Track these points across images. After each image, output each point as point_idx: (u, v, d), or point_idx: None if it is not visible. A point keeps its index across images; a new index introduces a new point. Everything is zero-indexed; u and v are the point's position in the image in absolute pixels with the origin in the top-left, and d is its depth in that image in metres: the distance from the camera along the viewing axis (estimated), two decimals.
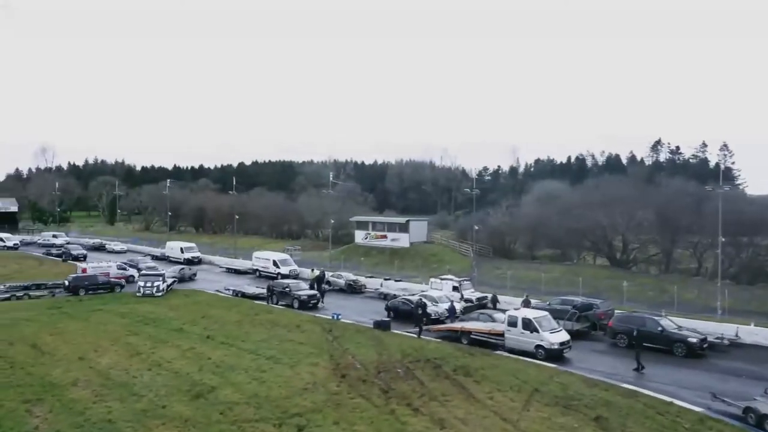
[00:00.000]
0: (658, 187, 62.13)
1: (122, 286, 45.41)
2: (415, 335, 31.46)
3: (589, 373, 24.79)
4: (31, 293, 41.33)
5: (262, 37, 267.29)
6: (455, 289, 40.82)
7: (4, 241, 79.50)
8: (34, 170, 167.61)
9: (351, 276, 49.41)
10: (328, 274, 49.76)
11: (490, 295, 40.30)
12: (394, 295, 43.20)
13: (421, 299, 36.29)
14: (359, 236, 67.70)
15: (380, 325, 32.88)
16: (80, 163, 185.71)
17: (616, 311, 33.57)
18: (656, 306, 38.39)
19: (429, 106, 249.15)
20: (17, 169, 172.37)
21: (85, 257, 67.45)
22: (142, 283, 43.31)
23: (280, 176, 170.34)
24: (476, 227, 48.27)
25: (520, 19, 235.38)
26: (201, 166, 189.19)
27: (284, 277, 52.63)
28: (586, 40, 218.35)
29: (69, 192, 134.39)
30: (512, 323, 28.40)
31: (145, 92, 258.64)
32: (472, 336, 29.91)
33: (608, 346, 30.33)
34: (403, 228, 63.61)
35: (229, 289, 45.56)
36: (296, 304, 39.84)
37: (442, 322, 34.35)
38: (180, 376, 22.83)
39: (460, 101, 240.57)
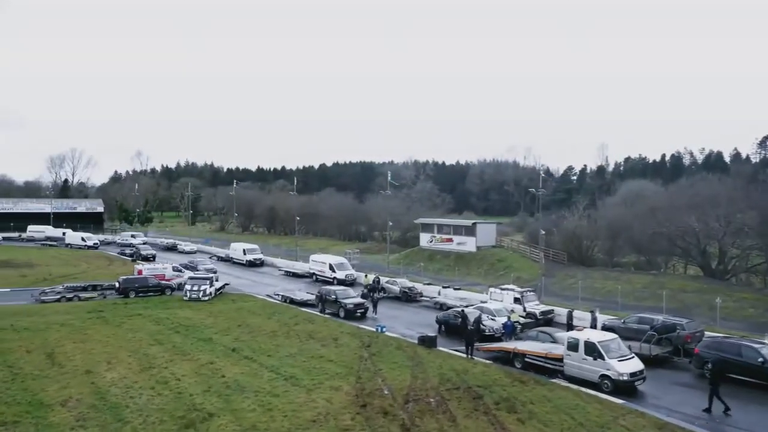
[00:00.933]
0: (764, 187, 54.17)
1: (173, 289, 44.43)
2: (463, 354, 27.74)
3: (665, 414, 20.16)
4: (81, 295, 40.99)
5: (347, 37, 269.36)
6: (517, 301, 36.50)
7: (85, 241, 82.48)
8: (130, 172, 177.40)
9: (407, 282, 46.05)
10: (384, 280, 46.71)
11: (566, 311, 35.17)
12: (451, 305, 39.51)
13: (463, 312, 32.46)
14: (424, 239, 64.18)
15: (425, 341, 29.37)
16: (172, 165, 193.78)
17: (706, 333, 28.27)
18: (758, 328, 32.38)
19: (514, 104, 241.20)
20: (116, 172, 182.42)
21: (154, 257, 68.22)
22: (189, 287, 42.08)
23: (360, 177, 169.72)
24: (542, 232, 43.45)
25: (612, 12, 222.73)
26: (283, 168, 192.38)
27: (340, 282, 50.20)
28: (685, 26, 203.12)
29: (153, 193, 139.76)
30: (573, 346, 24.04)
31: (233, 96, 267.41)
32: (526, 359, 25.77)
33: (694, 377, 25.19)
34: (470, 231, 59.44)
35: (278, 295, 43.54)
36: (342, 313, 37.05)
37: (499, 340, 30.39)
38: (181, 398, 20.45)
39: (547, 98, 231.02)
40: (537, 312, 35.39)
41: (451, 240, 60.63)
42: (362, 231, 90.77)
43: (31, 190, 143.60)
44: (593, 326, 31.30)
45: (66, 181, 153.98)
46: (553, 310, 36.37)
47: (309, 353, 27.17)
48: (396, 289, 44.66)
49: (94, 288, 43.25)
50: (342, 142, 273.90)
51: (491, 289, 38.77)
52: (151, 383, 21.90)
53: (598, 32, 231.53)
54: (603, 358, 22.80)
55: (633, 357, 23.72)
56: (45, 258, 66.74)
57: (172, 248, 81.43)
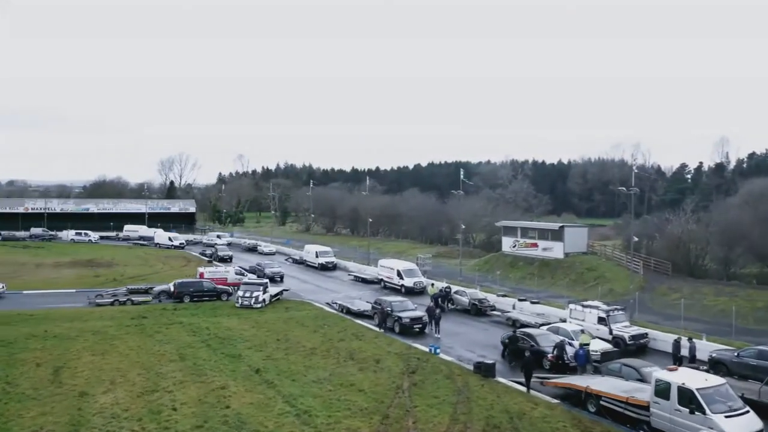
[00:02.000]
0: None
1: (229, 294, 42.27)
2: (525, 388, 22.81)
3: None
4: (134, 299, 39.77)
5: (441, 37, 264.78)
6: (602, 321, 30.60)
7: (171, 240, 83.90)
8: (233, 174, 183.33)
9: (478, 293, 41.05)
10: (454, 290, 42.00)
11: (668, 337, 28.77)
12: (524, 322, 34.25)
13: (528, 332, 27.22)
14: (506, 244, 58.48)
15: (481, 369, 24.65)
16: (272, 167, 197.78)
17: None
18: None
19: (621, 99, 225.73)
20: (220, 174, 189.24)
21: (230, 258, 67.57)
22: (241, 293, 39.70)
23: (454, 177, 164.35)
24: (635, 238, 36.80)
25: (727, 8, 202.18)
26: (377, 168, 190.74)
27: (408, 290, 46.16)
28: None
29: (246, 194, 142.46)
30: (662, 392, 18.45)
31: (331, 98, 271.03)
32: (601, 402, 20.34)
33: None
34: (557, 235, 53.04)
35: (336, 303, 40.17)
36: (397, 328, 32.94)
37: (573, 370, 24.98)
38: None
39: (660, 92, 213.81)
40: (626, 336, 29.32)
41: (535, 245, 54.57)
42: (444, 234, 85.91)
43: (142, 191, 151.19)
44: (692, 359, 25.14)
45: (172, 182, 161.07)
46: (647, 333, 30.07)
47: (340, 379, 23.35)
48: (465, 300, 39.80)
49: (147, 291, 42.10)
50: (437, 142, 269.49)
51: (571, 306, 32.97)
52: (142, 413, 18.96)
53: (714, 29, 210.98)
54: (704, 412, 17.08)
55: (748, 411, 17.74)
56: (127, 258, 67.89)
57: (252, 249, 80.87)
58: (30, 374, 22.71)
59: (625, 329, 29.89)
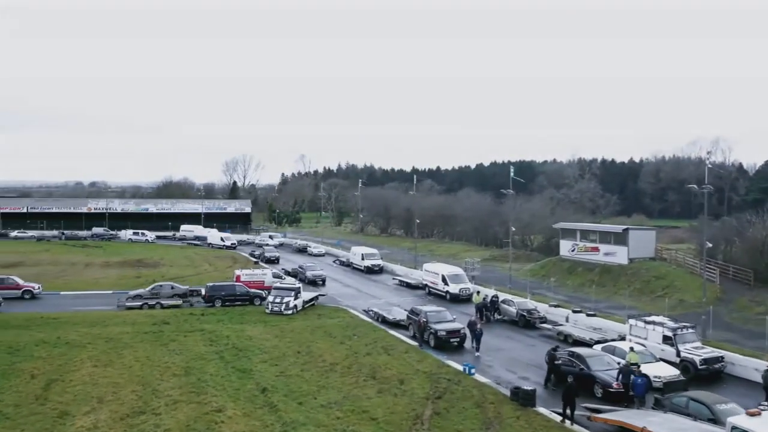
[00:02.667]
0: None
1: (262, 298, 40.24)
2: (565, 420, 19.29)
3: None
4: (163, 302, 38.38)
5: (508, 37, 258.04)
6: (667, 340, 26.31)
7: (223, 241, 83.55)
8: (296, 175, 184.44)
9: (527, 303, 37.19)
10: (502, 298, 38.32)
11: (756, 364, 24.34)
12: (577, 338, 30.39)
13: (577, 353, 23.36)
14: (564, 247, 53.85)
15: (518, 397, 21.18)
16: (333, 167, 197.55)
17: None
18: None
19: (698, 92, 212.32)
20: (282, 174, 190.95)
21: (277, 260, 66.15)
22: (271, 299, 37.55)
23: (517, 176, 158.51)
24: (708, 243, 31.88)
25: None
26: (438, 168, 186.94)
27: (453, 297, 42.91)
28: None
29: (303, 194, 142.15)
30: None
31: (393, 98, 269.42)
32: None
33: None
34: (620, 239, 48.09)
35: (371, 311, 37.40)
36: (432, 341, 29.73)
37: (628, 399, 21.06)
38: None
39: (738, 82, 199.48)
40: (697, 359, 24.93)
41: (596, 249, 49.80)
42: (499, 236, 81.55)
43: (207, 191, 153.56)
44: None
45: (234, 183, 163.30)
46: (723, 357, 25.56)
47: (353, 404, 20.56)
48: (512, 311, 36.06)
49: (183, 295, 40.80)
50: (501, 142, 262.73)
51: (631, 321, 28.70)
52: None
53: None
54: None
55: None
56: (176, 258, 67.67)
57: (302, 250, 79.31)
58: (20, 388, 21.13)
59: (695, 351, 25.50)
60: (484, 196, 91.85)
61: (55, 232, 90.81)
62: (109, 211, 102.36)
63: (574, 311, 35.18)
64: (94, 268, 58.09)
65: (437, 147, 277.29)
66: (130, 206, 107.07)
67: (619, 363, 23.08)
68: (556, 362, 23.60)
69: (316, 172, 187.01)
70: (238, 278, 44.59)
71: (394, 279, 53.49)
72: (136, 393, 20.83)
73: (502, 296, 38.96)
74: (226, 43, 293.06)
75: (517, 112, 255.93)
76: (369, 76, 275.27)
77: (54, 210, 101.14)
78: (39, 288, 41.85)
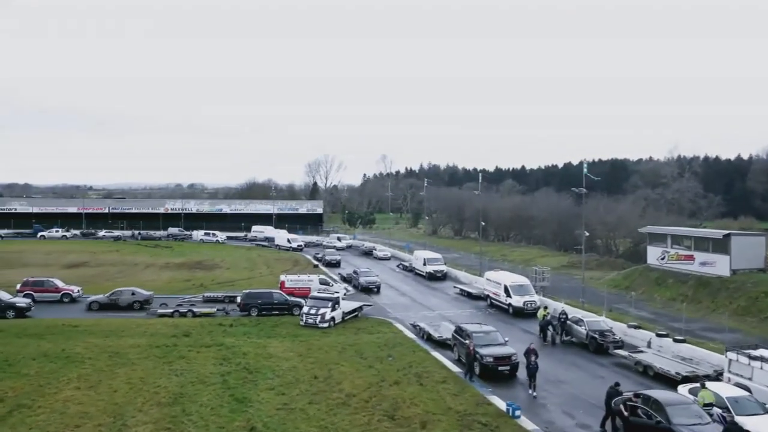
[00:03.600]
0: None
1: (301, 307, 36.81)
2: None
3: None
4: (196, 310, 35.84)
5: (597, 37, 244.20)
6: None
7: (290, 242, 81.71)
8: (377, 175, 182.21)
9: (600, 322, 31.30)
10: (571, 315, 32.71)
11: None
12: (659, 370, 24.62)
13: (641, 399, 17.73)
14: (653, 255, 46.72)
15: None
16: (415, 167, 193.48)
17: None
18: None
19: None
20: (364, 174, 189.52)
21: (338, 263, 63.18)
22: (306, 310, 34.00)
23: (608, 176, 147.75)
24: None
25: None
26: (522, 167, 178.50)
27: (516, 311, 37.89)
28: None
29: (380, 195, 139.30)
30: None
31: (482, 97, 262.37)
32: None
33: None
34: (720, 246, 40.62)
35: (417, 326, 33.01)
36: (477, 369, 24.96)
37: None
38: None
39: None
40: None
41: (690, 258, 42.56)
42: (579, 240, 74.24)
43: (288, 193, 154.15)
44: None
45: (315, 184, 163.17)
46: None
47: None
48: (582, 332, 30.42)
49: (221, 301, 38.31)
50: (591, 139, 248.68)
51: (729, 355, 22.52)
52: None
53: None
54: None
55: None
56: (238, 259, 66.21)
57: (368, 253, 75.98)
58: None
59: None
60: (564, 196, 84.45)
61: (134, 233, 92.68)
62: (184, 211, 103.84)
63: (659, 335, 29.08)
64: (152, 270, 57.41)
65: (524, 146, 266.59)
66: (205, 207, 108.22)
67: (732, 421, 17.34)
68: (624, 409, 18.26)
69: (397, 172, 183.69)
70: (282, 285, 41.63)
71: (455, 288, 48.70)
72: (101, 428, 17.68)
73: (574, 312, 33.37)
74: (328, 44, 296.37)
75: (608, 111, 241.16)
76: (459, 76, 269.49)
77: (133, 210, 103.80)
78: (79, 291, 40.70)
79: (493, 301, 40.95)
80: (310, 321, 33.13)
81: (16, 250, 69.12)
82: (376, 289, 46.84)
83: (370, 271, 51.17)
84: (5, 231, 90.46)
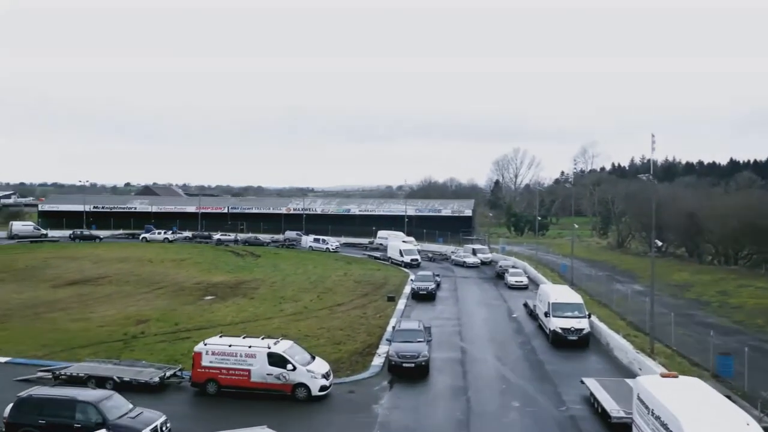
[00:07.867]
0: None
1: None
2: None
3: None
4: None
5: None
6: None
7: (402, 255, 59.99)
8: (579, 172, 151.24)
9: None
10: None
11: None
12: None
13: None
14: None
15: None
16: (625, 163, 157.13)
17: None
18: None
19: None
20: (562, 172, 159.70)
21: (432, 295, 41.38)
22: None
23: None
24: None
25: None
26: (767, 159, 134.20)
27: None
28: None
29: (561, 194, 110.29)
30: None
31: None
32: None
33: None
34: None
35: None
36: None
37: None
38: None
39: None
40: None
41: None
42: None
43: (470, 191, 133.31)
44: None
45: (497, 182, 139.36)
46: None
47: None
48: None
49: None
50: None
51: None
52: None
53: None
54: None
55: None
56: (298, 279, 47.24)
57: (500, 276, 51.82)
58: None
59: None
60: None
61: (236, 237, 78.92)
62: (307, 212, 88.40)
63: None
64: (137, 298, 40.48)
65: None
66: (331, 207, 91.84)
67: None
68: None
69: (602, 168, 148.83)
70: (196, 361, 21.02)
71: (582, 382, 22.83)
72: None
73: None
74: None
75: None
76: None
77: (254, 210, 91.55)
78: None
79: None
80: None
81: (64, 256, 58.53)
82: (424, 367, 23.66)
83: (419, 331, 27.11)
84: (120, 231, 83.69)
